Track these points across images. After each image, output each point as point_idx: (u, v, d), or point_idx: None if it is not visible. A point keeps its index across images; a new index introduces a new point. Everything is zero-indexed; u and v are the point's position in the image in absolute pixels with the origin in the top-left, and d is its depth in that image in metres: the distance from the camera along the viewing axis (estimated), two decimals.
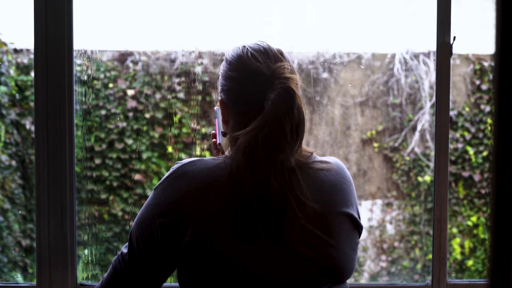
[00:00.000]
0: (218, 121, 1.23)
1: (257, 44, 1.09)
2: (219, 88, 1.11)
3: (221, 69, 1.11)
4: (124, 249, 1.08)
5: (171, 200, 1.00)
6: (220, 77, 1.11)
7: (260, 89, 1.03)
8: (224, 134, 1.16)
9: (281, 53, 1.09)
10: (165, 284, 1.56)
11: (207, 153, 3.06)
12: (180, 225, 0.98)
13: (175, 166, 1.04)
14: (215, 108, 1.26)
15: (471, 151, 3.74)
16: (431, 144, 3.79)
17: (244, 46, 1.09)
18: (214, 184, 0.99)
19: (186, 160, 1.05)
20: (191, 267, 0.99)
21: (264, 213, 0.97)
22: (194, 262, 0.99)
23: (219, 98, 1.11)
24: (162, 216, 1.00)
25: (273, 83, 1.02)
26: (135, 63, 3.45)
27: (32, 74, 3.32)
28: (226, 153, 1.18)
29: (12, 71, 3.39)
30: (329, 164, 1.07)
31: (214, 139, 1.23)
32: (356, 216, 1.07)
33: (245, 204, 0.98)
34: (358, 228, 1.08)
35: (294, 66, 1.10)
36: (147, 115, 3.44)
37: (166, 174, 1.05)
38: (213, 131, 1.25)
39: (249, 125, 1.02)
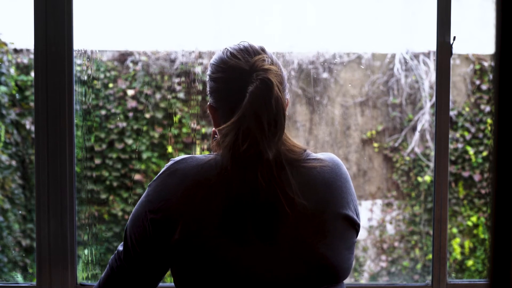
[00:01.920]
0: None
1: (238, 44, 1.10)
2: (208, 92, 1.12)
3: (207, 73, 1.12)
4: (120, 247, 1.09)
5: (162, 197, 1.01)
6: (206, 82, 1.13)
7: (241, 84, 1.02)
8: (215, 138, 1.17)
9: (263, 49, 1.09)
10: (164, 284, 1.56)
11: (207, 153, 3.06)
12: (170, 222, 0.99)
13: (168, 164, 1.05)
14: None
15: (471, 151, 3.74)
16: (431, 144, 3.79)
17: (225, 48, 1.10)
18: (204, 181, 0.99)
19: (179, 157, 1.06)
20: (182, 265, 1.00)
21: (253, 211, 0.97)
22: (185, 260, 0.99)
23: (208, 103, 1.12)
24: (153, 212, 1.01)
25: (252, 76, 1.02)
26: (135, 63, 3.45)
27: (32, 74, 3.33)
28: None
29: (12, 71, 3.39)
30: (323, 161, 1.06)
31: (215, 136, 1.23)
32: (352, 214, 1.05)
33: (234, 202, 0.98)
34: (355, 226, 1.06)
35: (275, 59, 1.10)
36: (147, 115, 3.44)
37: (160, 171, 1.06)
38: (214, 129, 1.25)
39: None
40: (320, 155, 1.09)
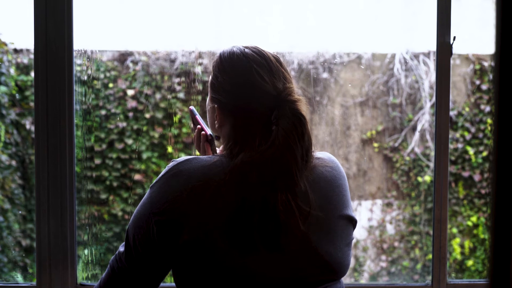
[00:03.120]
0: (199, 117, 1.24)
1: (257, 55, 1.06)
2: (215, 96, 1.08)
3: (219, 76, 1.07)
4: (121, 248, 1.08)
5: (167, 199, 0.99)
6: (216, 83, 1.08)
7: (265, 108, 1.02)
8: (217, 137, 1.15)
9: (280, 63, 1.07)
10: (164, 284, 1.56)
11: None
12: (176, 223, 0.98)
13: (171, 164, 1.04)
14: (190, 107, 1.26)
15: (471, 151, 3.74)
16: (431, 144, 3.79)
17: (246, 57, 1.06)
18: (211, 182, 0.99)
19: (182, 158, 1.04)
20: (186, 266, 0.99)
21: (262, 223, 0.96)
22: (190, 261, 0.98)
23: (215, 106, 1.08)
24: (158, 214, 1.00)
25: (280, 105, 1.02)
26: (135, 63, 3.45)
27: (32, 74, 3.32)
28: (218, 151, 1.18)
29: (12, 71, 3.39)
30: (324, 161, 1.08)
31: (203, 132, 1.20)
32: (352, 212, 1.08)
33: (243, 208, 0.97)
34: (353, 222, 1.09)
35: (293, 67, 1.10)
36: (147, 115, 3.44)
37: (162, 172, 1.04)
38: (198, 126, 1.22)
39: (250, 139, 1.01)
40: (318, 154, 1.09)
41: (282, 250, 0.98)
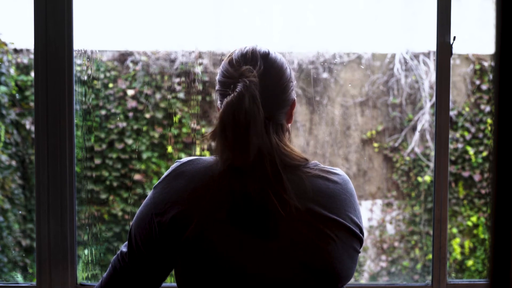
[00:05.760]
0: None
1: (246, 47, 1.08)
2: None
3: None
4: (123, 248, 1.08)
5: (169, 200, 1.00)
6: None
7: (230, 92, 1.02)
8: None
9: (265, 55, 1.06)
10: (165, 284, 1.57)
11: (207, 153, 3.06)
12: (177, 224, 0.99)
13: (174, 165, 1.05)
14: None
15: (471, 151, 3.74)
16: (431, 144, 3.79)
17: (234, 51, 1.09)
18: (212, 183, 1.00)
19: (186, 159, 1.06)
20: (188, 265, 1.00)
21: (248, 210, 0.98)
22: (191, 260, 0.99)
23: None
24: (160, 215, 1.00)
25: (235, 86, 1.01)
26: (135, 63, 3.45)
27: (32, 74, 3.32)
28: None
29: (12, 71, 3.39)
30: (332, 175, 1.05)
31: None
32: (353, 227, 1.03)
33: (237, 203, 0.98)
34: (357, 236, 1.04)
35: (279, 64, 1.07)
36: (147, 115, 3.44)
37: (165, 173, 1.06)
38: None
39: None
40: (331, 169, 1.07)
41: (275, 244, 0.98)
